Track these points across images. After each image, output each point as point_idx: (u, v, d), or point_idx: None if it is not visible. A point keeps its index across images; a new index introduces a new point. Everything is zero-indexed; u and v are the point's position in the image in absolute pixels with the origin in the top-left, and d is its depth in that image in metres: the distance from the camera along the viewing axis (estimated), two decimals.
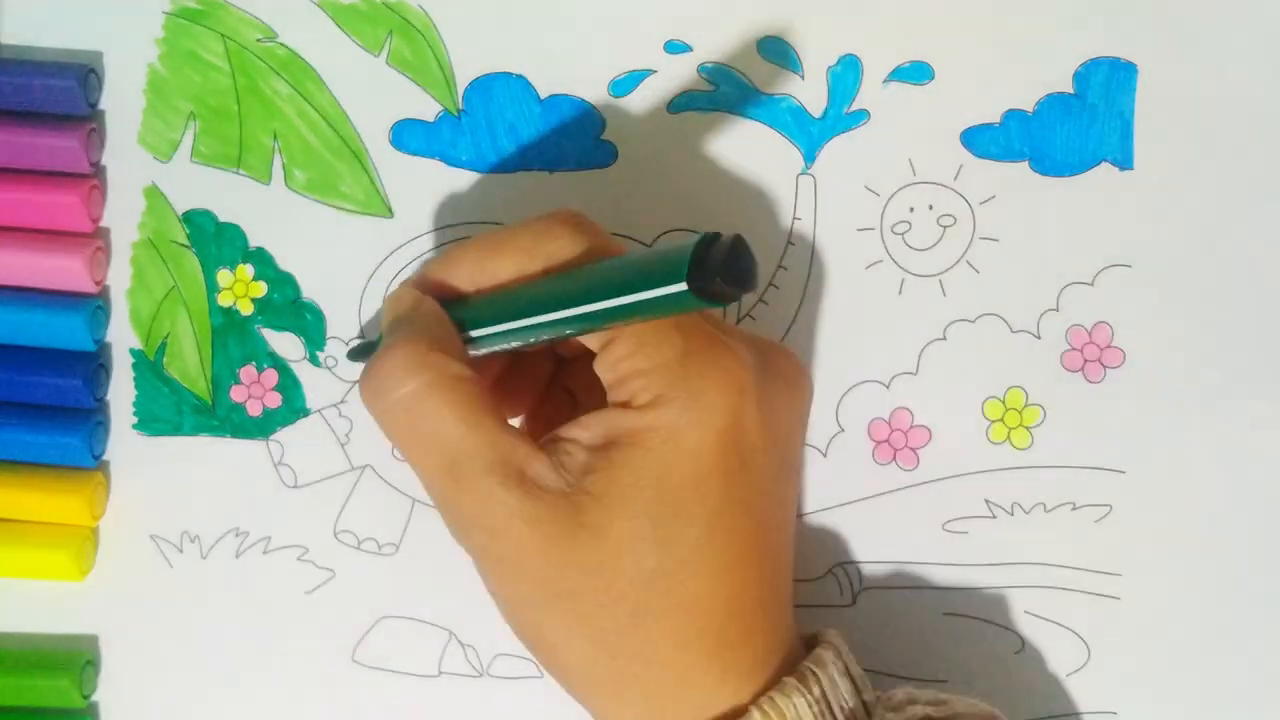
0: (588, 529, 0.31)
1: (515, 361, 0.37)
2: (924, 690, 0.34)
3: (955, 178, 0.39)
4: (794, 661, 0.33)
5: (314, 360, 0.40)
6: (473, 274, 0.34)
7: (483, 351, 0.33)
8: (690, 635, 0.32)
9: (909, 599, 0.39)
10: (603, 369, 0.32)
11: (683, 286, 0.27)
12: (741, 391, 0.31)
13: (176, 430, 0.40)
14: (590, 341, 0.32)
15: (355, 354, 0.38)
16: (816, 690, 0.32)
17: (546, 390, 0.37)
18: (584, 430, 0.32)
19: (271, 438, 0.40)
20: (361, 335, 0.40)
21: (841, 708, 0.33)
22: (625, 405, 0.31)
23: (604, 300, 0.30)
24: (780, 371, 0.34)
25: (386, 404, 0.32)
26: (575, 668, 0.33)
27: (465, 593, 0.39)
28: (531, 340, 0.32)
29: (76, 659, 0.39)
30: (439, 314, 0.33)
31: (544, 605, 0.32)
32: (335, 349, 0.40)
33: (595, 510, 0.31)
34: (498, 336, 0.33)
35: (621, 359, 0.31)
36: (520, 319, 0.32)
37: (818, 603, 0.39)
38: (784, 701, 0.32)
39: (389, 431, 0.32)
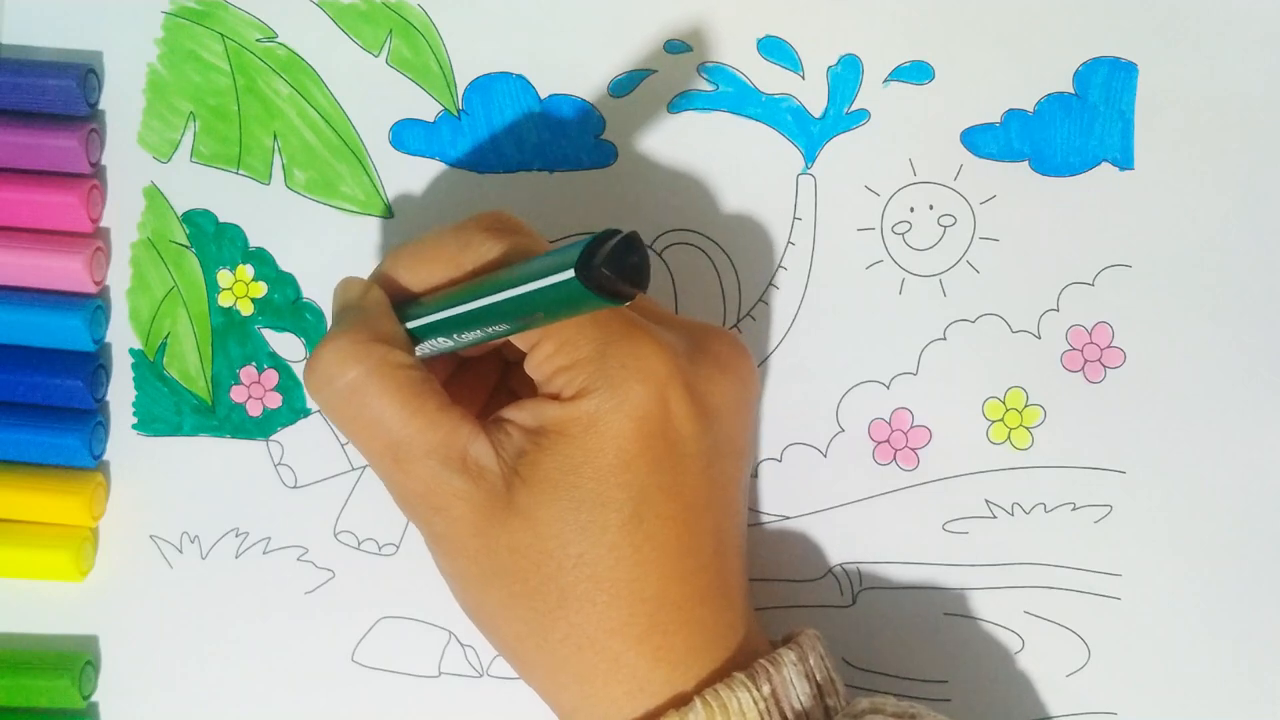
0: (518, 512, 0.32)
1: (462, 365, 0.37)
2: (899, 702, 0.34)
3: (955, 178, 0.39)
4: (751, 656, 0.33)
5: None
6: (410, 278, 0.35)
7: (426, 353, 0.34)
8: (619, 621, 0.32)
9: (909, 599, 0.39)
10: (531, 368, 0.33)
11: (570, 275, 0.28)
12: (664, 378, 0.32)
13: (176, 430, 0.40)
14: (521, 343, 0.33)
15: None
16: (766, 688, 0.32)
17: (493, 394, 0.38)
18: (521, 412, 0.33)
19: (271, 438, 0.40)
20: None
21: (793, 709, 0.32)
22: (554, 397, 0.32)
23: (505, 294, 0.31)
24: (716, 355, 0.34)
25: (330, 392, 0.33)
26: (513, 647, 0.34)
27: None
28: (462, 339, 0.33)
29: (76, 659, 0.39)
30: (383, 303, 0.34)
31: (483, 583, 0.33)
32: None
33: (525, 494, 0.32)
34: (431, 334, 0.33)
35: (546, 357, 0.32)
36: (444, 318, 0.33)
37: (818, 603, 0.39)
38: (728, 695, 0.32)
39: (333, 418, 0.33)
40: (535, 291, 0.30)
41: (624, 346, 0.32)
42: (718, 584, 0.34)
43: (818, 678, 0.33)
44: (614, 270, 0.28)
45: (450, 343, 0.33)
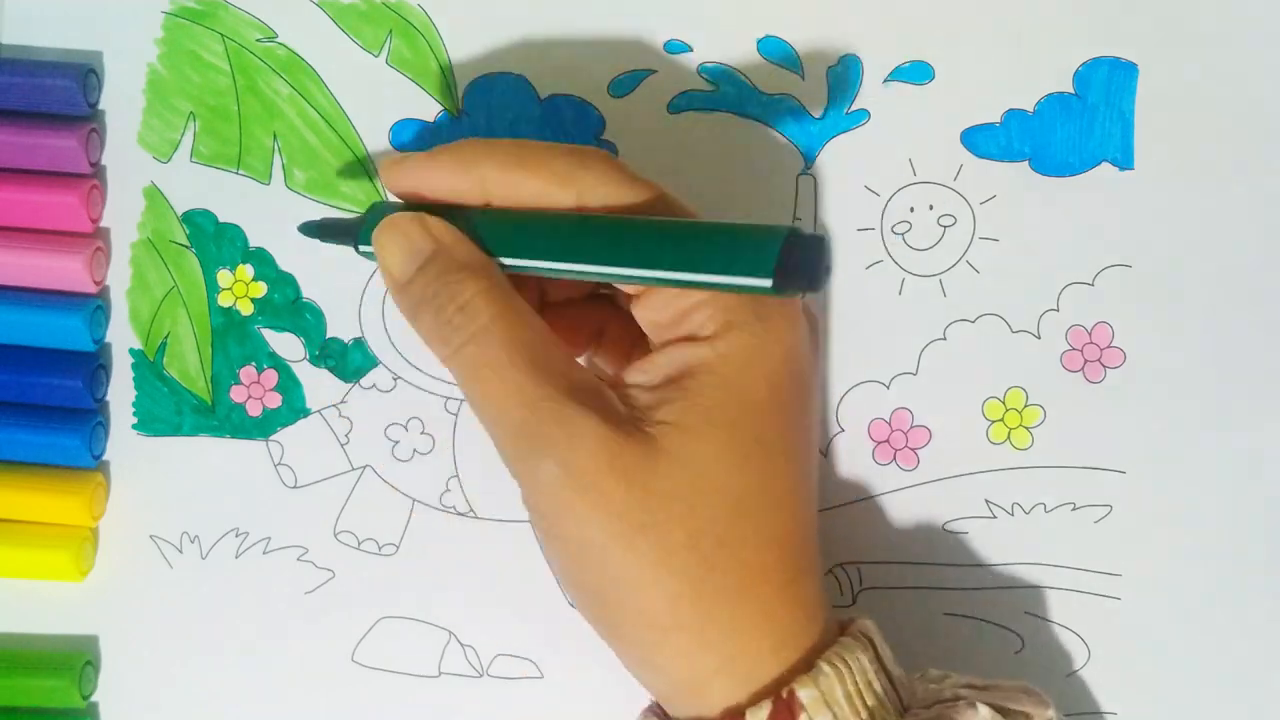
0: (669, 455, 0.30)
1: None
2: (958, 674, 0.34)
3: (955, 178, 0.39)
4: (834, 623, 0.33)
5: (314, 361, 0.40)
6: (490, 182, 0.32)
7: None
8: (771, 565, 0.31)
9: (909, 599, 0.39)
10: (650, 308, 0.32)
11: (768, 283, 0.28)
12: (797, 320, 0.32)
13: (176, 430, 0.40)
14: (628, 286, 0.32)
15: (323, 229, 0.36)
16: (872, 650, 0.32)
17: None
18: (643, 374, 0.31)
19: (271, 438, 0.40)
20: (361, 334, 0.40)
21: (890, 671, 0.33)
22: (689, 339, 0.31)
23: (678, 270, 0.29)
24: (805, 309, 0.34)
25: (465, 337, 0.31)
26: (656, 610, 0.31)
27: (465, 593, 0.39)
28: (561, 276, 0.31)
29: (76, 659, 0.39)
30: (466, 242, 0.32)
31: (626, 541, 0.30)
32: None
33: (676, 437, 0.30)
34: (527, 268, 0.32)
35: (674, 297, 0.31)
36: (564, 259, 0.31)
37: None
38: (850, 657, 0.31)
39: (465, 372, 0.31)
40: (720, 284, 0.29)
41: None
42: (816, 531, 0.33)
43: (890, 645, 0.34)
44: (808, 279, 0.28)
45: (541, 274, 0.31)
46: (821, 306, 0.39)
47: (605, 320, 0.36)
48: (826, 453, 0.39)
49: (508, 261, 0.32)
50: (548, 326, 0.32)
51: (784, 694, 0.31)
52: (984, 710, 0.31)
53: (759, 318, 0.31)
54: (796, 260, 0.28)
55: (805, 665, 0.31)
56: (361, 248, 0.34)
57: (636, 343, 0.35)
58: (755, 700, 0.31)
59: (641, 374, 0.31)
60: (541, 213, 0.32)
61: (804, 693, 0.30)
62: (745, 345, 0.31)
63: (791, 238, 0.28)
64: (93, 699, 0.40)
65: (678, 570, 0.30)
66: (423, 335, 0.32)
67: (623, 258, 0.30)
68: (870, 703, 0.31)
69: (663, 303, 0.31)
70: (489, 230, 0.32)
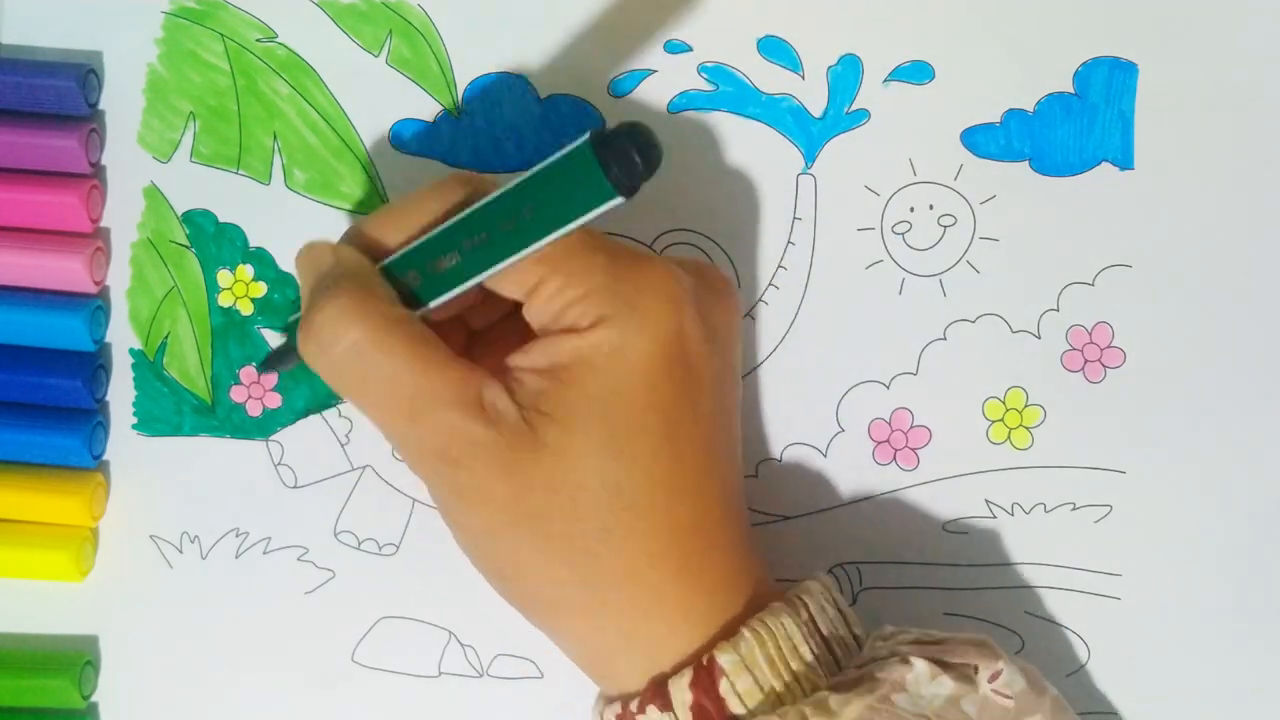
0: (548, 448, 0.31)
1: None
2: (914, 628, 0.34)
3: (955, 178, 0.39)
4: (767, 592, 0.34)
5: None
6: (391, 240, 0.33)
7: (426, 308, 0.33)
8: (659, 550, 0.32)
9: (909, 599, 0.39)
10: (537, 307, 0.32)
11: (585, 139, 0.29)
12: (678, 301, 0.32)
13: (176, 430, 0.40)
14: (517, 290, 0.32)
15: (270, 363, 0.38)
16: (804, 614, 0.32)
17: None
18: (528, 358, 0.32)
19: (271, 438, 0.40)
20: None
21: (831, 633, 0.33)
22: (570, 331, 0.32)
23: (510, 186, 0.31)
24: (711, 284, 0.34)
25: (332, 357, 0.32)
26: (546, 594, 0.33)
27: (465, 593, 0.39)
28: (449, 274, 0.32)
29: (76, 659, 0.39)
30: (364, 262, 0.33)
31: (513, 530, 0.32)
32: None
33: (553, 429, 0.31)
34: (418, 266, 0.33)
35: (555, 291, 0.32)
36: (437, 235, 0.32)
37: None
38: (773, 622, 0.32)
39: (338, 384, 0.32)
40: (538, 173, 0.30)
41: (634, 270, 0.32)
42: (734, 508, 0.34)
43: (841, 607, 0.34)
44: (636, 150, 0.29)
45: (449, 284, 0.32)
46: (822, 306, 0.39)
47: (466, 345, 0.37)
48: (826, 452, 0.39)
49: (402, 270, 0.33)
50: (426, 330, 0.32)
51: (704, 660, 0.32)
52: (919, 664, 0.32)
53: (631, 307, 0.31)
54: (622, 157, 0.29)
55: (732, 629, 0.32)
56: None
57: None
58: (679, 669, 0.32)
59: (526, 357, 0.32)
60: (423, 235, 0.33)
61: (724, 658, 0.31)
62: (617, 336, 0.31)
63: (598, 142, 0.29)
64: (93, 699, 0.40)
65: (563, 556, 0.32)
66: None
67: (476, 226, 0.31)
68: (795, 665, 0.32)
69: (545, 299, 0.32)
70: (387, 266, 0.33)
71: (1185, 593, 0.39)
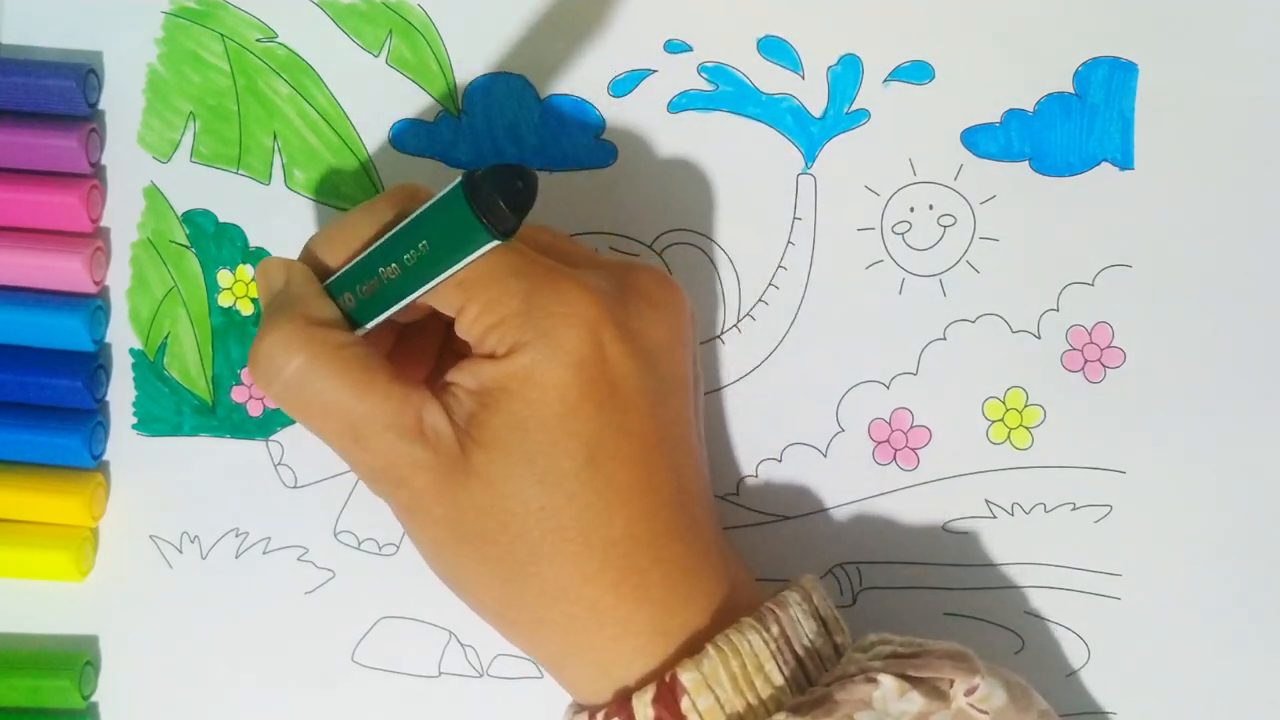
0: (476, 474, 0.32)
1: (404, 333, 0.37)
2: (899, 636, 0.34)
3: (955, 178, 0.39)
4: (741, 598, 0.34)
5: None
6: (331, 260, 0.34)
7: (365, 328, 0.34)
8: (592, 568, 0.32)
9: (909, 599, 0.39)
10: (461, 333, 0.33)
11: (456, 184, 0.30)
12: (594, 320, 0.32)
13: (176, 430, 0.40)
14: (447, 309, 0.33)
15: None
16: (775, 629, 0.32)
17: (441, 356, 0.37)
18: (462, 374, 0.33)
19: (271, 438, 0.40)
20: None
21: (805, 647, 0.33)
22: (490, 356, 0.32)
23: (400, 226, 0.32)
24: (644, 292, 0.34)
25: (278, 384, 0.32)
26: (492, 609, 0.34)
27: None
28: (384, 298, 0.33)
29: (76, 659, 0.39)
30: (312, 282, 0.34)
31: (455, 548, 0.33)
32: None
33: (479, 455, 0.32)
34: (350, 289, 0.33)
35: (474, 318, 0.32)
36: (353, 267, 0.33)
37: None
38: (738, 638, 0.32)
39: (285, 408, 0.33)
40: (424, 213, 0.31)
41: (549, 294, 0.32)
42: (685, 521, 0.34)
43: (823, 615, 0.34)
44: (498, 188, 0.29)
45: (378, 309, 0.33)
46: (822, 306, 0.39)
47: (445, 342, 0.38)
48: (826, 452, 0.39)
49: (336, 291, 0.34)
50: (368, 354, 0.33)
51: (667, 678, 0.32)
52: (886, 680, 0.31)
53: (541, 333, 0.32)
54: (490, 174, 0.30)
55: (693, 649, 0.32)
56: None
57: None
58: (643, 684, 0.32)
59: (463, 374, 0.33)
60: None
61: (686, 676, 0.31)
62: (530, 363, 0.32)
63: (469, 188, 0.30)
64: (93, 699, 0.40)
65: (498, 576, 0.33)
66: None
67: (372, 250, 0.33)
68: (759, 684, 0.32)
69: (468, 324, 0.32)
70: (331, 284, 0.34)
71: (1185, 593, 0.39)
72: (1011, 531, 0.39)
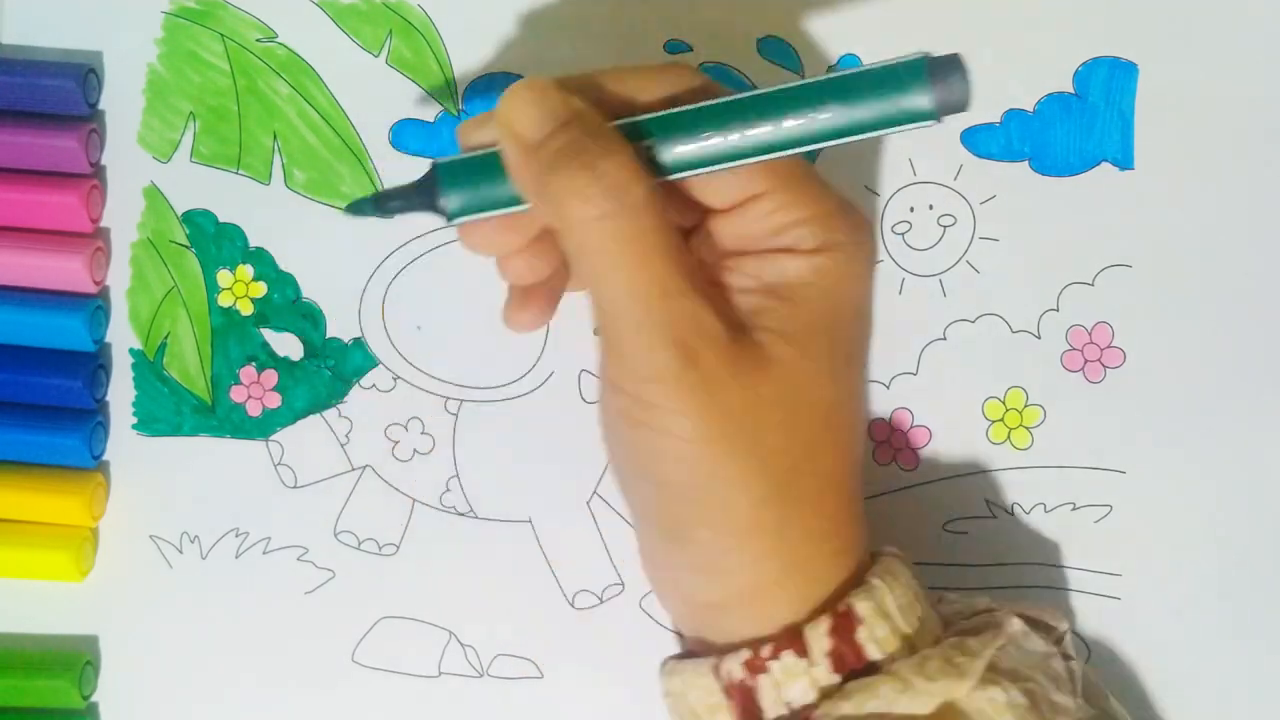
0: (776, 363, 0.31)
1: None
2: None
3: (955, 178, 0.39)
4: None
5: (313, 361, 0.40)
6: (607, 92, 0.32)
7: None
8: (842, 478, 0.33)
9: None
10: (750, 221, 0.32)
11: (929, 108, 0.29)
12: (875, 241, 0.33)
13: (176, 430, 0.40)
14: (720, 199, 0.32)
15: (381, 201, 0.33)
16: (909, 569, 0.33)
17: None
18: (747, 277, 0.32)
19: (271, 438, 0.40)
20: (361, 334, 0.40)
21: (921, 589, 0.33)
22: (788, 251, 0.32)
23: (818, 99, 0.30)
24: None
25: (615, 204, 0.29)
26: (739, 511, 0.31)
27: (465, 593, 0.39)
28: (698, 165, 0.31)
29: (76, 659, 0.39)
30: (604, 121, 0.31)
31: (727, 439, 0.30)
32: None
33: (782, 346, 0.31)
34: (673, 159, 0.31)
35: (775, 210, 0.32)
36: (696, 133, 0.30)
37: None
38: (899, 570, 0.33)
39: (602, 237, 0.30)
40: (869, 73, 0.29)
41: (851, 207, 0.32)
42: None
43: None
44: (955, 92, 0.29)
45: (691, 165, 0.31)
46: None
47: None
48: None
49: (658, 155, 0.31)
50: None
51: (841, 608, 0.31)
52: (1015, 621, 0.33)
53: (854, 235, 0.32)
54: (945, 81, 0.29)
55: (855, 581, 0.32)
56: (443, 199, 0.32)
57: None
58: (812, 616, 0.32)
59: (741, 277, 0.32)
60: (687, 106, 0.31)
61: (861, 605, 0.31)
62: (842, 261, 0.32)
63: (931, 62, 0.29)
64: (93, 699, 0.40)
65: (768, 474, 0.31)
66: (555, 195, 0.30)
67: (790, 133, 0.30)
68: (920, 613, 0.32)
69: (765, 213, 0.32)
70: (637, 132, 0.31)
71: (1185, 593, 0.39)
72: (1011, 531, 0.39)
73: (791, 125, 0.30)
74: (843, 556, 0.32)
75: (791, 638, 0.31)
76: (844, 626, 0.31)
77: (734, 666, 0.32)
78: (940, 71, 0.29)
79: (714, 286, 0.32)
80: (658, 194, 0.30)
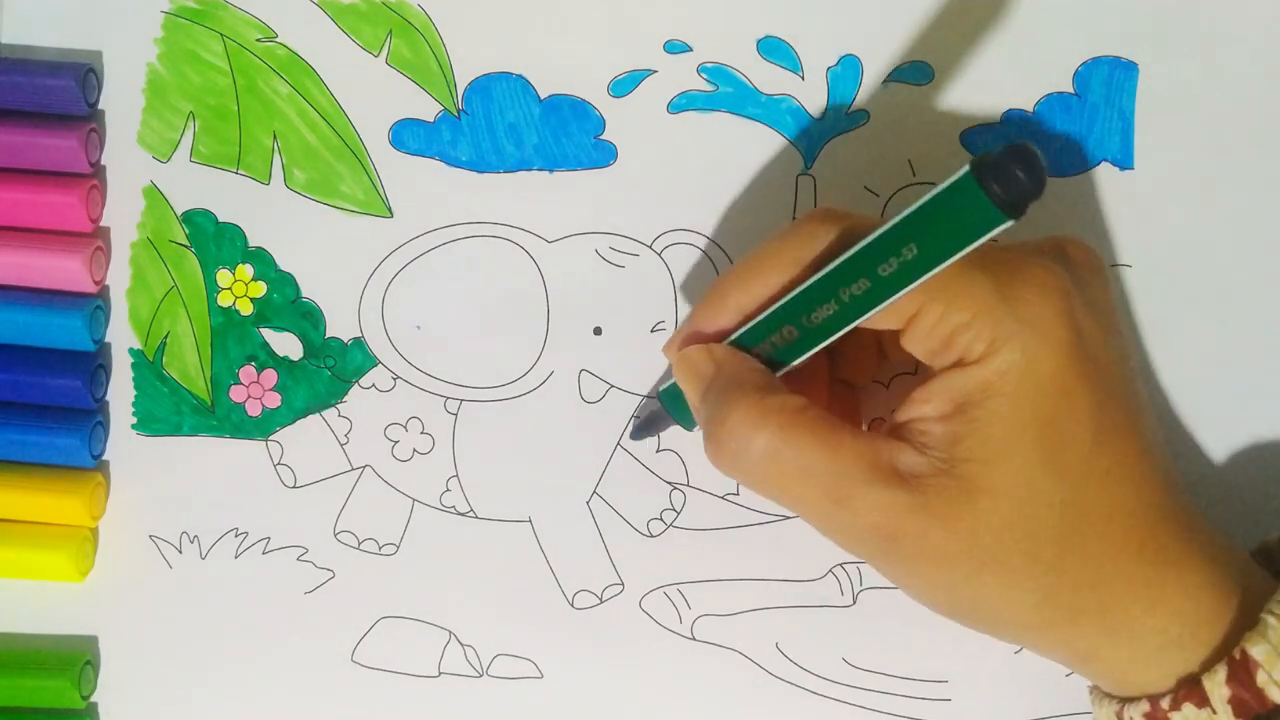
0: (985, 493, 0.30)
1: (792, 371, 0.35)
2: None
3: None
4: (1241, 565, 0.33)
5: (313, 361, 0.40)
6: (740, 303, 0.34)
7: (783, 370, 0.33)
8: (1121, 544, 0.32)
9: (909, 599, 0.39)
10: (917, 341, 0.32)
11: (965, 171, 0.28)
12: (1065, 295, 0.31)
13: (176, 430, 0.40)
14: (889, 322, 0.32)
15: (642, 430, 0.39)
16: None
17: (828, 388, 0.37)
18: (927, 405, 0.31)
19: (271, 438, 0.40)
20: (360, 334, 0.40)
21: None
22: (960, 364, 0.31)
23: (885, 227, 0.30)
24: (1077, 261, 0.33)
25: (748, 464, 0.31)
26: (1023, 622, 0.32)
27: (465, 593, 0.39)
28: (818, 327, 0.32)
29: (76, 659, 0.39)
30: (741, 358, 0.33)
31: (973, 579, 0.31)
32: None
33: (985, 472, 0.30)
34: (795, 348, 0.32)
35: (936, 323, 0.31)
36: (812, 318, 0.32)
37: (818, 603, 0.39)
38: None
39: (759, 487, 0.32)
40: (929, 204, 0.29)
41: (1017, 280, 0.31)
42: (1175, 475, 0.33)
43: None
44: (1021, 171, 0.27)
45: (805, 347, 0.32)
46: None
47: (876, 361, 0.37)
48: None
49: (768, 353, 0.33)
50: (822, 412, 0.32)
51: (1236, 654, 0.31)
52: None
53: (1021, 322, 0.30)
54: (1004, 177, 0.28)
55: (1245, 611, 0.32)
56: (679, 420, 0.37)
57: (858, 388, 0.38)
58: (1207, 665, 0.32)
59: (926, 405, 0.31)
60: (777, 305, 0.33)
61: (1256, 650, 0.31)
62: (1020, 357, 0.30)
63: (977, 166, 0.28)
64: (93, 699, 0.40)
65: (1028, 587, 0.31)
66: (711, 439, 0.33)
67: (861, 298, 0.31)
68: None
69: (928, 329, 0.31)
70: (748, 338, 0.33)
71: None
72: None
73: (884, 277, 0.30)
74: (1210, 590, 0.32)
75: (1190, 688, 0.31)
76: (1241, 673, 0.31)
77: (1135, 715, 0.33)
78: (990, 172, 0.28)
79: (894, 424, 0.32)
80: (789, 422, 0.31)
